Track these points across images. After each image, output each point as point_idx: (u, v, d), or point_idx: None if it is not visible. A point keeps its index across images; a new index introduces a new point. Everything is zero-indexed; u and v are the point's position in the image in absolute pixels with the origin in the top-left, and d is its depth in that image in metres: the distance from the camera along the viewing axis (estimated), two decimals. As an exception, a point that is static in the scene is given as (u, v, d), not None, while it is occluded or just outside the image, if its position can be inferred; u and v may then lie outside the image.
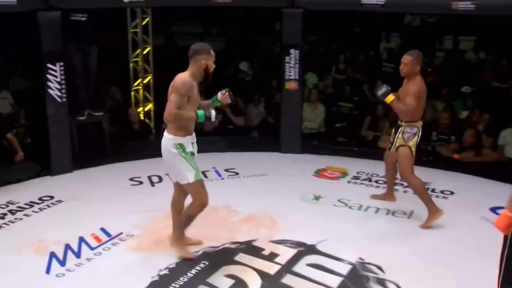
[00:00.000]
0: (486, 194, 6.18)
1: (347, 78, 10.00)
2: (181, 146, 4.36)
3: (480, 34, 10.15)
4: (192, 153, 4.44)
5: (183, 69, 4.38)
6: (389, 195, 5.92)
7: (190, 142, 4.42)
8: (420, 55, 5.26)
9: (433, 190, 6.24)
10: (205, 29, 11.51)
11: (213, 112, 4.38)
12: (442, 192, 6.26)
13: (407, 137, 5.30)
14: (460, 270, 4.56)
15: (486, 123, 7.70)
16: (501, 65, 9.38)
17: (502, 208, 5.70)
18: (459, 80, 9.22)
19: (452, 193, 6.25)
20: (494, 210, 5.78)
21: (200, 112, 4.32)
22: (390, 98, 5.25)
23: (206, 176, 6.57)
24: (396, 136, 5.37)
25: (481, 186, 6.45)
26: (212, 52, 4.38)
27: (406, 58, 5.21)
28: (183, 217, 4.64)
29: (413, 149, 5.29)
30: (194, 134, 4.49)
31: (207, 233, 5.07)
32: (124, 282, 4.29)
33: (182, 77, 4.30)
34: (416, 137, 5.30)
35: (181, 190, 4.67)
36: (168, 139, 4.37)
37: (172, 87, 4.30)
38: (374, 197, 5.99)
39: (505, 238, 3.18)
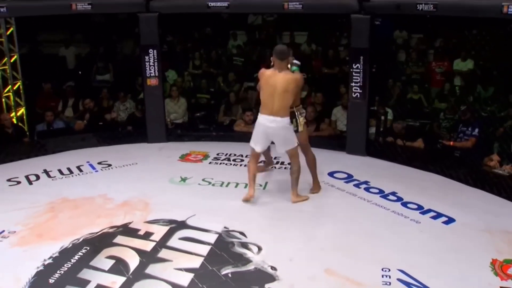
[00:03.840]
0: (324, 163, 6.53)
1: (203, 72, 10.06)
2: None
3: (310, 30, 10.65)
4: None
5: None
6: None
7: None
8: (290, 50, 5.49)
9: (282, 163, 6.48)
10: (71, 36, 10.95)
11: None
12: (289, 163, 6.51)
13: (304, 116, 5.54)
14: (306, 226, 4.88)
15: (320, 101, 8.17)
16: (328, 54, 9.93)
17: (338, 172, 6.18)
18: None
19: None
20: (331, 174, 6.18)
21: None
22: None
23: (81, 170, 6.36)
24: (297, 119, 5.44)
25: (321, 156, 6.80)
26: None
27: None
28: (295, 177, 5.34)
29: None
30: None
31: (85, 221, 4.94)
32: (10, 277, 4.05)
33: (295, 76, 5.17)
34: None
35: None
36: (284, 121, 5.11)
37: (296, 83, 5.11)
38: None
39: None
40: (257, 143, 5.32)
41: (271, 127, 5.14)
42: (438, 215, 5.05)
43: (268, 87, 5.11)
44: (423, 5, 5.91)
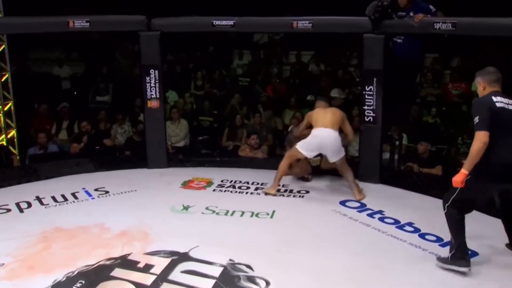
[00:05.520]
0: (336, 190, 6.56)
1: (206, 93, 10.11)
2: None
3: (318, 49, 10.73)
4: None
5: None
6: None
7: None
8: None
9: (291, 191, 6.52)
10: (65, 54, 11.05)
11: None
12: (298, 192, 6.53)
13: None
14: (317, 259, 4.79)
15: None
16: (337, 75, 9.97)
17: (350, 201, 6.17)
18: (304, 90, 9.68)
19: (307, 192, 6.55)
20: (343, 203, 6.15)
21: None
22: None
23: (76, 197, 6.32)
24: None
25: (332, 183, 6.82)
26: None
27: None
28: (352, 181, 6.35)
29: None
30: None
31: (81, 252, 4.87)
32: (-2, 312, 4.00)
33: None
34: None
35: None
36: (335, 133, 6.25)
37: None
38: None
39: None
40: None
41: None
42: (460, 248, 4.96)
43: None
44: (440, 24, 5.93)
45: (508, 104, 4.26)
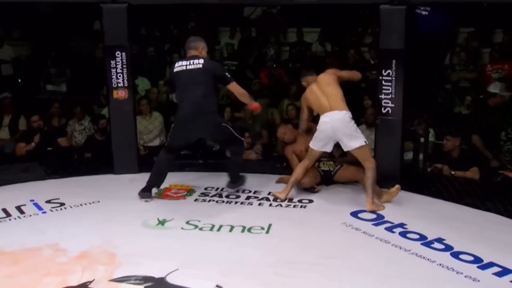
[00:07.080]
0: (346, 199, 6.63)
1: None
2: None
3: (324, 25, 10.73)
4: None
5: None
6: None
7: None
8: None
9: (290, 200, 6.59)
10: (6, 31, 10.99)
11: None
12: (300, 201, 6.58)
13: None
14: (325, 285, 4.79)
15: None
16: (347, 57, 9.97)
17: (365, 211, 6.18)
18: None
19: (310, 201, 6.60)
20: (355, 214, 6.18)
21: None
22: None
23: (22, 212, 6.29)
24: None
25: (340, 190, 6.89)
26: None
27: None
28: (369, 185, 6.32)
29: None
30: None
31: (28, 281, 4.80)
32: None
33: None
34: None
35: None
36: (344, 114, 6.43)
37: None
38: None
39: None
40: None
41: None
42: (505, 271, 4.95)
43: None
44: (480, -12, 5.96)
45: (188, 64, 6.26)
